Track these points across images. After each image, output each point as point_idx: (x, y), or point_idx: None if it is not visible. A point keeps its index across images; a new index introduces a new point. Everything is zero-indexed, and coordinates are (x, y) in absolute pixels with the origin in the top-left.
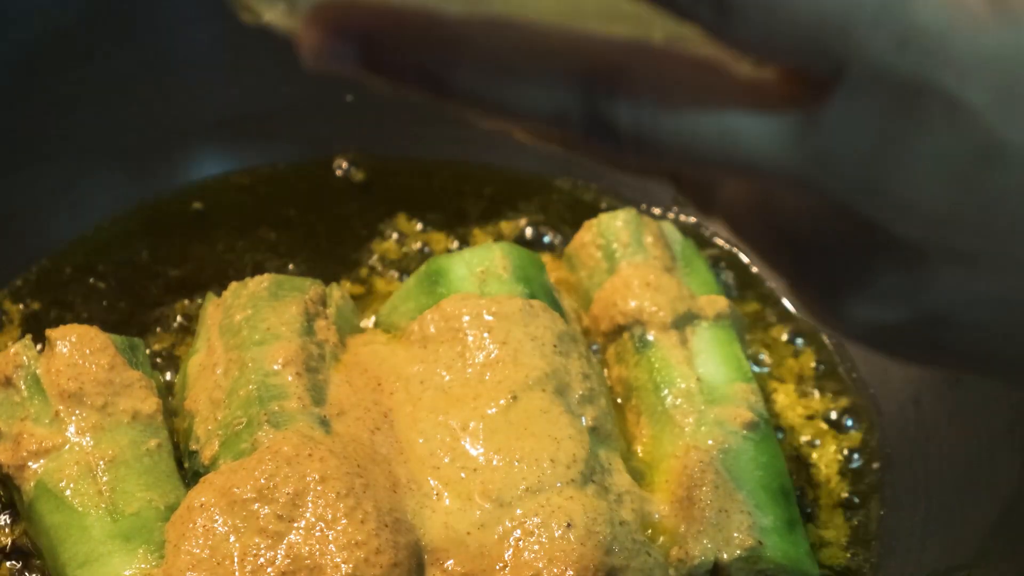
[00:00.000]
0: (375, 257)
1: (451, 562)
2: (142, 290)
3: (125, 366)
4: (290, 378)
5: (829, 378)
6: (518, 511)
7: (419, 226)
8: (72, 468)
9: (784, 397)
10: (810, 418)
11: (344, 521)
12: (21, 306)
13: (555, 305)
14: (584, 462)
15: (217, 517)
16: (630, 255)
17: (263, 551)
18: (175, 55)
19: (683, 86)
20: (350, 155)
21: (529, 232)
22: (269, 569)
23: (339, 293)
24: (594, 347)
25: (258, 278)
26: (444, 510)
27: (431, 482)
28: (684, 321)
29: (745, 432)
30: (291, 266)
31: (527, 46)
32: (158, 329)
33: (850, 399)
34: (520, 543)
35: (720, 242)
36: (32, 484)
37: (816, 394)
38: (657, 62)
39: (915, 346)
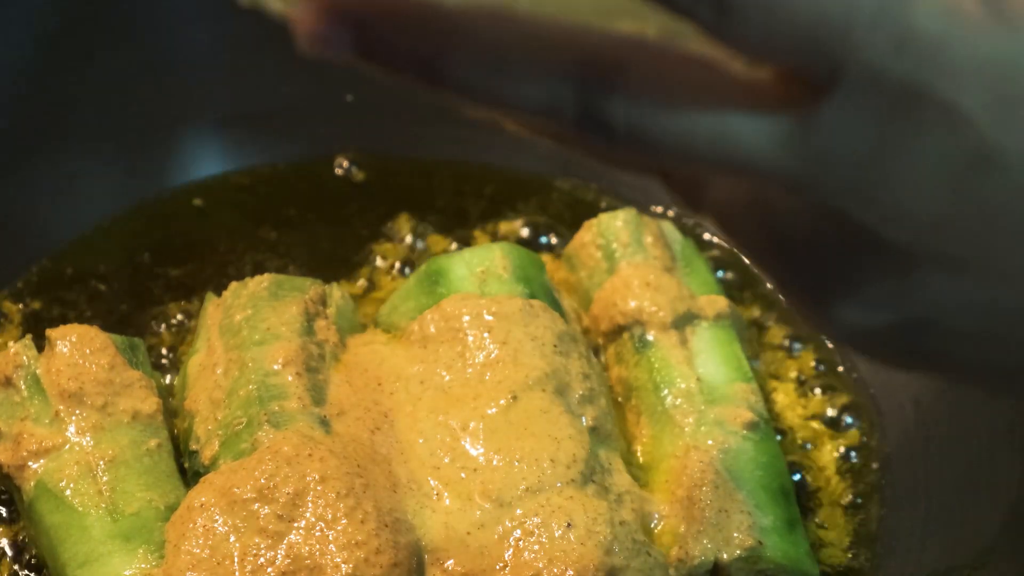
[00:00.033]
0: (375, 257)
1: (451, 562)
2: (142, 290)
3: (125, 366)
4: (290, 378)
5: (829, 378)
6: (518, 511)
7: (419, 226)
8: (72, 468)
9: (784, 397)
10: (810, 418)
11: (344, 521)
12: (21, 306)
13: (555, 305)
14: (584, 462)
15: (217, 517)
16: (630, 255)
17: (263, 551)
18: (175, 55)
19: (679, 83)
20: (350, 155)
21: (529, 232)
22: (269, 569)
23: (339, 293)
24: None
25: (258, 278)
26: (444, 510)
27: (431, 482)
28: (684, 321)
29: (745, 432)
30: (291, 266)
31: (524, 38)
32: (158, 329)
33: (850, 399)
34: (520, 543)
35: (720, 242)
36: (32, 484)
37: (816, 394)
38: (654, 58)
39: (903, 350)
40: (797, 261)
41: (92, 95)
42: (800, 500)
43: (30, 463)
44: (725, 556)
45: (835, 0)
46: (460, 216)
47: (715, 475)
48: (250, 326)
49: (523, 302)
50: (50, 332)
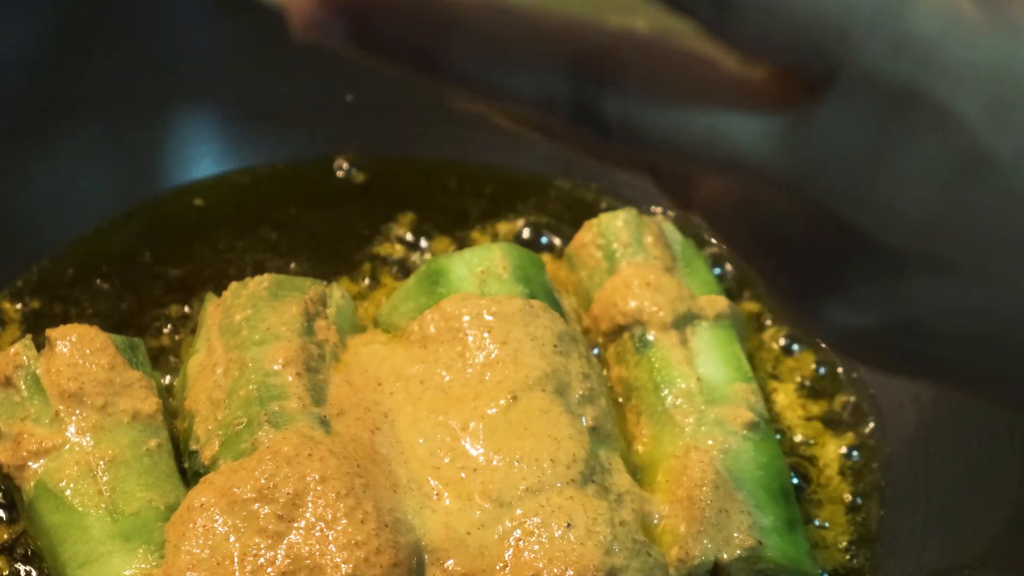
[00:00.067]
0: (375, 257)
1: (451, 562)
2: (142, 290)
3: (125, 366)
4: (290, 378)
5: (829, 378)
6: (518, 511)
7: (419, 226)
8: (72, 468)
9: (784, 397)
10: (810, 418)
11: (344, 521)
12: (21, 306)
13: (555, 305)
14: (584, 462)
15: (217, 517)
16: (630, 255)
17: (263, 551)
18: (175, 55)
19: (674, 79)
20: (350, 155)
21: (529, 232)
22: (269, 569)
23: (339, 293)
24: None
25: (258, 278)
26: (444, 510)
27: (431, 482)
28: (684, 321)
29: (745, 432)
30: (292, 265)
31: (519, 30)
32: (158, 329)
33: (850, 399)
34: (520, 543)
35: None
36: (32, 484)
37: (816, 394)
38: (649, 54)
39: (889, 353)
40: (786, 261)
41: (92, 95)
42: (800, 500)
43: (30, 463)
44: (725, 556)
45: (834, 1)
46: (460, 216)
47: (715, 475)
48: (250, 326)
49: (523, 302)
50: (50, 332)
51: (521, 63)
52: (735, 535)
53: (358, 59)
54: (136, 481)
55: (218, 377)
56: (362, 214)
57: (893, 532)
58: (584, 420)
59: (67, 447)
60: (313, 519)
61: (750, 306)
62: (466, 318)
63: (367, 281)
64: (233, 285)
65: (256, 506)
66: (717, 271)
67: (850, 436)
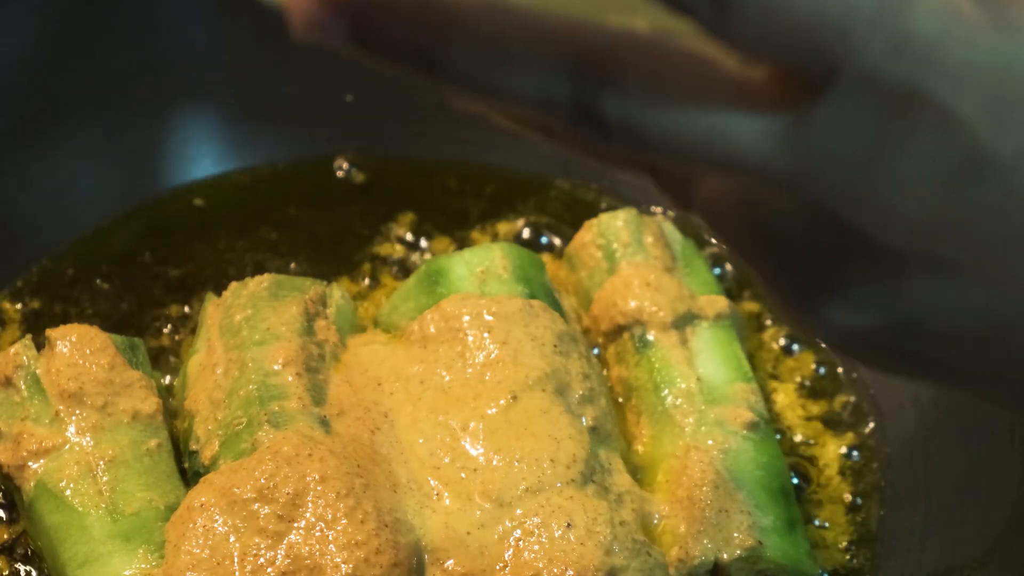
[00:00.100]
0: (375, 257)
1: (451, 562)
2: (142, 290)
3: (125, 366)
4: (290, 378)
5: (829, 378)
6: (518, 511)
7: (419, 226)
8: (72, 468)
9: (784, 397)
10: (810, 418)
11: (344, 521)
12: (21, 306)
13: (555, 305)
14: (584, 462)
15: (217, 517)
16: (630, 255)
17: (263, 551)
18: (175, 55)
19: (673, 79)
20: (350, 155)
21: (529, 232)
22: (269, 569)
23: (339, 293)
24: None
25: (258, 278)
26: (444, 510)
27: (431, 482)
28: (684, 321)
29: (745, 432)
30: (292, 265)
31: (519, 30)
32: (158, 329)
33: (850, 399)
34: (520, 543)
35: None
36: (32, 484)
37: (816, 394)
38: (648, 54)
39: (888, 353)
40: (786, 261)
41: (92, 95)
42: (800, 500)
43: (30, 463)
44: (725, 556)
45: (834, 1)
46: (460, 216)
47: (715, 475)
48: (250, 326)
49: (523, 302)
50: (50, 332)
51: (521, 63)
52: (735, 535)
53: (358, 59)
54: (136, 481)
55: (218, 377)
56: (362, 214)
57: (893, 532)
58: (584, 420)
59: (67, 447)
60: (313, 519)
61: (750, 306)
62: (466, 318)
63: (367, 281)
64: (233, 285)
65: (256, 506)
66: (717, 271)
67: (850, 436)
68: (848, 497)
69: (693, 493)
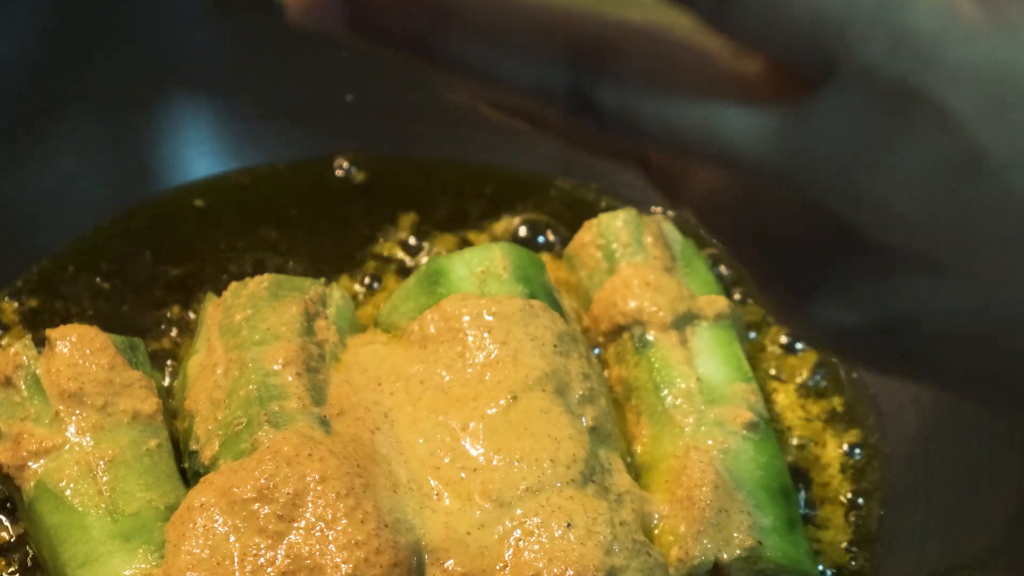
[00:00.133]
0: (376, 257)
1: (451, 562)
2: (142, 290)
3: (125, 366)
4: (290, 378)
5: (829, 378)
6: (518, 511)
7: (420, 226)
8: (72, 468)
9: (784, 397)
10: (810, 418)
11: (344, 521)
12: (21, 306)
13: (555, 305)
14: (584, 462)
15: (217, 517)
16: (630, 255)
17: (263, 551)
18: (175, 55)
19: (670, 71)
20: (350, 155)
21: (529, 232)
22: (269, 569)
23: (339, 293)
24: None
25: (258, 278)
26: (444, 510)
27: (431, 482)
28: (684, 321)
29: (745, 432)
30: (292, 264)
31: (518, 18)
32: (158, 329)
33: (850, 399)
34: (520, 543)
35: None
36: (32, 484)
37: (816, 394)
38: (646, 45)
39: (878, 352)
40: (777, 257)
41: (92, 95)
42: (800, 500)
43: (30, 463)
44: (725, 556)
45: None
46: (460, 216)
47: (715, 475)
48: (250, 326)
49: (523, 302)
50: (50, 332)
51: (519, 51)
52: (735, 535)
53: (354, 44)
54: (136, 481)
55: (218, 377)
56: (362, 214)
57: (893, 532)
58: (584, 420)
59: (67, 447)
60: (313, 519)
61: (751, 306)
62: (466, 318)
63: (367, 281)
64: (233, 285)
65: (256, 506)
66: (717, 271)
67: (850, 436)
68: (848, 497)
69: (693, 493)
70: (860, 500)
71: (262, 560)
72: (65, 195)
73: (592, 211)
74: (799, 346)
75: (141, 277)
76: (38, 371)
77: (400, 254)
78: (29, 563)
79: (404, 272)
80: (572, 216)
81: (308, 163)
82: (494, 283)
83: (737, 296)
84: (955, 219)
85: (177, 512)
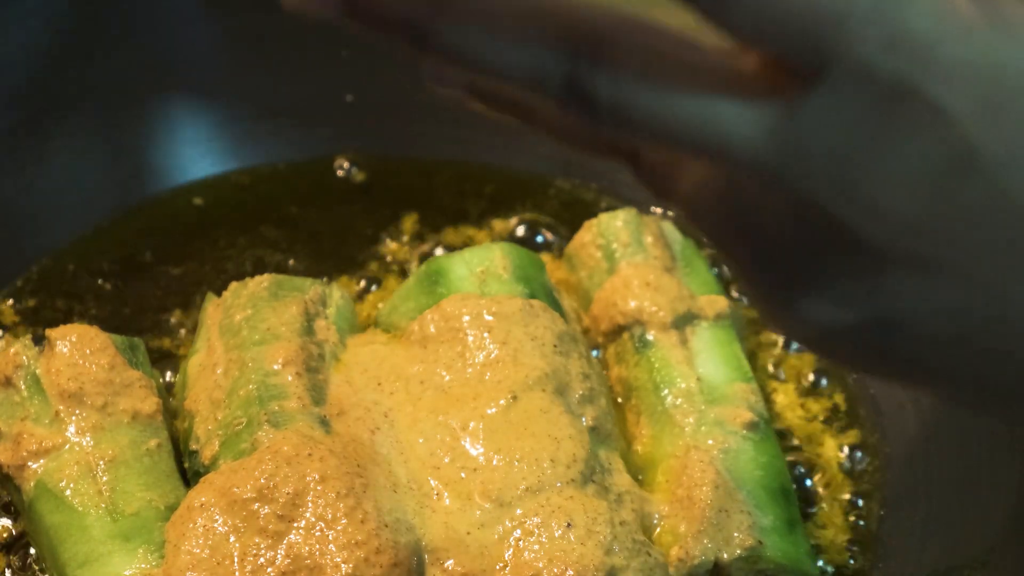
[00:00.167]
0: (375, 257)
1: (451, 562)
2: (142, 290)
3: (125, 366)
4: (290, 378)
5: (829, 378)
6: (518, 511)
7: (419, 226)
8: (72, 468)
9: (784, 397)
10: (810, 418)
11: (344, 521)
12: (21, 306)
13: (555, 305)
14: (584, 462)
15: (217, 517)
16: (630, 255)
17: (263, 551)
18: (175, 55)
19: (666, 63)
20: (350, 155)
21: (528, 232)
22: (269, 569)
23: (339, 293)
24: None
25: (258, 278)
26: (444, 510)
27: (431, 482)
28: (684, 321)
29: (745, 432)
30: (292, 264)
31: (515, 5)
32: (158, 329)
33: (850, 399)
34: (520, 543)
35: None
36: (32, 484)
37: (816, 394)
38: (642, 37)
39: (864, 352)
40: (768, 256)
41: (92, 95)
42: (800, 500)
43: (30, 463)
44: (725, 556)
45: None
46: (460, 216)
47: (715, 475)
48: (250, 326)
49: (523, 302)
50: (50, 332)
51: (515, 39)
52: (735, 535)
53: (349, 29)
54: (136, 481)
55: (218, 377)
56: (362, 214)
57: (893, 532)
58: (584, 420)
59: (67, 447)
60: (313, 519)
61: (751, 306)
62: (466, 318)
63: (368, 281)
64: (233, 285)
65: (256, 506)
66: (716, 271)
67: (850, 436)
68: (848, 497)
69: (693, 493)
70: (860, 500)
71: (262, 560)
72: (65, 195)
73: (592, 211)
74: (799, 346)
75: (141, 277)
76: (38, 371)
77: (400, 254)
78: (29, 562)
79: (404, 272)
80: (572, 216)
81: (308, 163)
82: (494, 283)
83: (736, 296)
84: (947, 218)
85: (177, 512)
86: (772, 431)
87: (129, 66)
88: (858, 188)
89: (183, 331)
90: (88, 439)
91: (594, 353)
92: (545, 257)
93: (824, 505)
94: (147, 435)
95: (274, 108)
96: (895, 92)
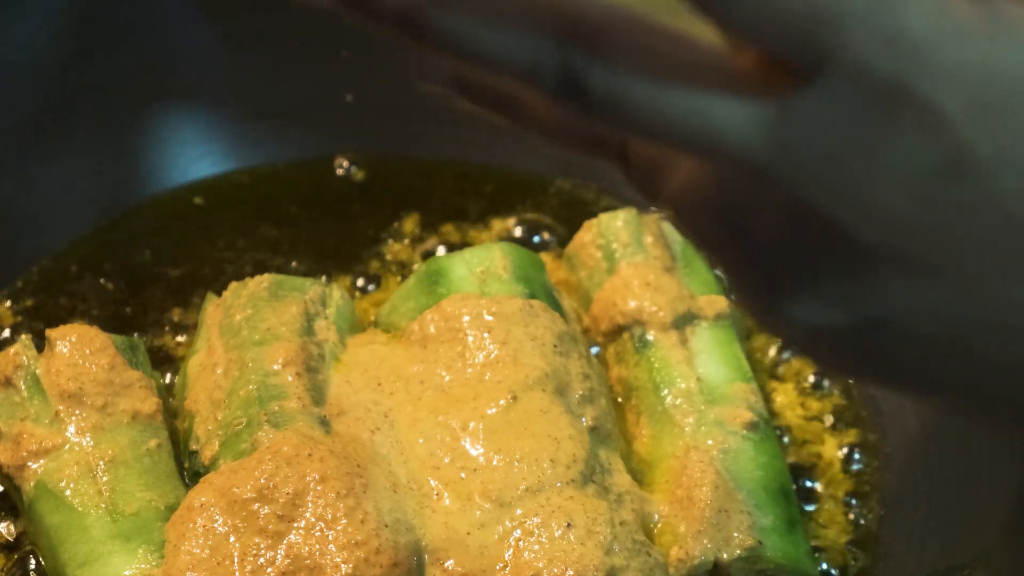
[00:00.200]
0: (375, 257)
1: (451, 562)
2: (142, 290)
3: (125, 366)
4: (290, 378)
5: (829, 378)
6: (518, 511)
7: (419, 225)
8: (72, 468)
9: (784, 397)
10: (810, 418)
11: (344, 521)
12: (21, 306)
13: (555, 305)
14: (584, 462)
15: (217, 517)
16: (630, 255)
17: (263, 551)
18: (175, 55)
19: (661, 58)
20: (350, 155)
21: (528, 232)
22: (269, 569)
23: (339, 293)
24: (595, 350)
25: (258, 278)
26: (444, 510)
27: (431, 482)
28: (684, 321)
29: (745, 432)
30: (293, 264)
31: None
32: (158, 329)
33: (850, 399)
34: (520, 543)
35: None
36: (32, 484)
37: (816, 394)
38: (637, 31)
39: (851, 354)
40: (757, 256)
41: (92, 95)
42: (800, 500)
43: (30, 463)
44: (725, 556)
45: None
46: (460, 215)
47: (715, 475)
48: (250, 326)
49: (523, 302)
50: (50, 332)
51: (511, 29)
52: (735, 535)
53: (343, 17)
54: (136, 481)
55: (218, 377)
56: (362, 214)
57: (893, 532)
58: (584, 420)
59: (67, 447)
60: (313, 519)
61: None
62: (466, 318)
63: (367, 281)
64: (233, 285)
65: (256, 506)
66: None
67: (850, 436)
68: (848, 497)
69: (693, 493)
70: (860, 500)
71: (262, 560)
72: (65, 195)
73: (592, 211)
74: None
75: (141, 277)
76: (38, 371)
77: (400, 254)
78: (29, 563)
79: (404, 272)
80: (572, 216)
81: (308, 163)
82: (494, 283)
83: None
84: (936, 219)
85: (177, 512)
86: (772, 431)
87: (129, 66)
88: (851, 187)
89: (183, 331)
90: (88, 439)
91: (594, 352)
92: (545, 257)
93: (824, 505)
94: (147, 435)
95: (274, 108)
96: (890, 92)
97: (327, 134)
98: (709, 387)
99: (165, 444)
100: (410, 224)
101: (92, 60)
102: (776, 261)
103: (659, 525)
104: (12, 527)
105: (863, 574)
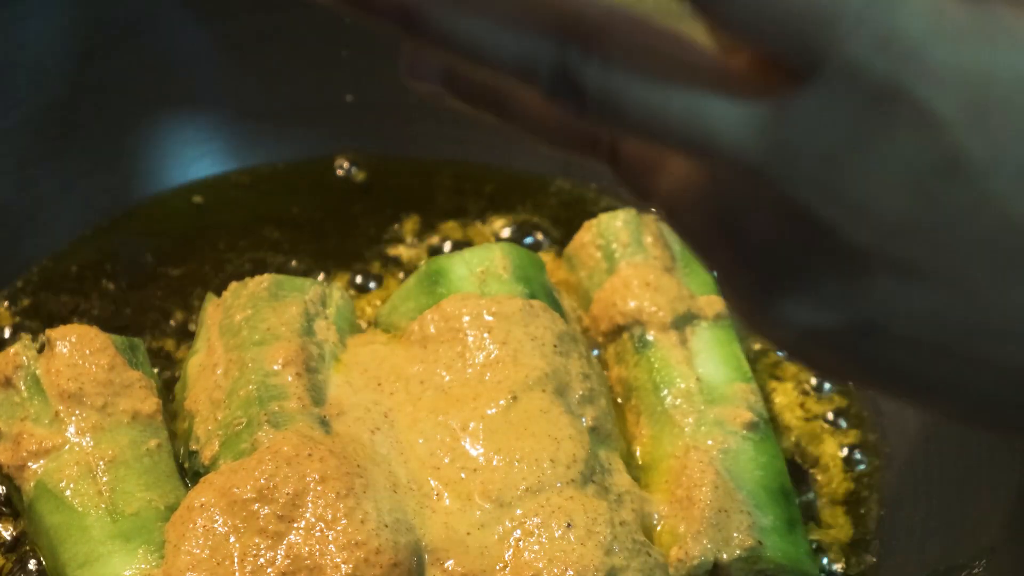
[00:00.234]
0: (375, 257)
1: (451, 562)
2: (142, 290)
3: (125, 366)
4: (290, 378)
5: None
6: (518, 511)
7: (419, 225)
8: (72, 468)
9: (784, 397)
10: (810, 418)
11: (344, 521)
12: (21, 306)
13: (555, 305)
14: (584, 462)
15: (217, 517)
16: (630, 255)
17: (263, 551)
18: (175, 55)
19: (657, 57)
20: (350, 155)
21: (528, 232)
22: (269, 569)
23: (339, 293)
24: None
25: (258, 278)
26: (444, 510)
27: (431, 482)
28: (684, 321)
29: (745, 432)
30: (293, 263)
31: None
32: (158, 329)
33: (850, 398)
34: (520, 543)
35: None
36: (32, 484)
37: (816, 394)
38: (634, 29)
39: (844, 357)
40: (745, 256)
41: (92, 95)
42: (800, 500)
43: (30, 463)
44: (725, 556)
45: None
46: (460, 215)
47: (715, 475)
48: (250, 326)
49: (523, 302)
50: (50, 332)
51: (508, 25)
52: (735, 535)
53: (340, 13)
54: (136, 481)
55: (218, 377)
56: (362, 214)
57: (893, 532)
58: (584, 420)
59: (67, 447)
60: (313, 519)
61: None
62: (466, 318)
63: (367, 281)
64: (233, 285)
65: (256, 506)
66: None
67: (850, 436)
68: (848, 497)
69: (693, 493)
70: (860, 500)
71: (262, 560)
72: (65, 195)
73: (592, 211)
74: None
75: (141, 277)
76: (38, 371)
77: (400, 254)
78: (29, 563)
79: (404, 272)
80: (571, 216)
81: (308, 163)
82: (494, 283)
83: None
84: (929, 221)
85: (177, 512)
86: (772, 431)
87: (129, 66)
88: (843, 188)
89: (183, 331)
90: (88, 439)
91: (594, 353)
92: (545, 257)
93: (824, 504)
94: (147, 435)
95: (274, 108)
96: (884, 93)
97: (327, 134)
98: (709, 387)
99: (165, 444)
100: (410, 224)
101: (92, 61)
102: (767, 262)
103: (659, 525)
104: (12, 527)
105: (863, 574)
